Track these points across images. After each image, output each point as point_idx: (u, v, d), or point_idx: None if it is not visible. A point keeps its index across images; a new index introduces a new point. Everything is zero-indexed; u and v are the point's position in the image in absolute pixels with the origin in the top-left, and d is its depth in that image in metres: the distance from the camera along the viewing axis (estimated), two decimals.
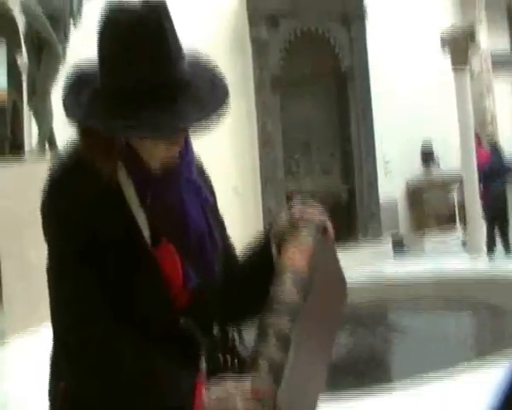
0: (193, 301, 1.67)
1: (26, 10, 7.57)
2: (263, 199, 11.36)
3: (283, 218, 1.69)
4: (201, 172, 1.83)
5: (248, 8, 11.56)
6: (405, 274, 8.41)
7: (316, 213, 1.67)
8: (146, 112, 1.50)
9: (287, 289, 1.53)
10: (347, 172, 12.00)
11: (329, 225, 1.68)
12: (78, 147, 1.61)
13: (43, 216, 1.60)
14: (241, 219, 10.50)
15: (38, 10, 7.34)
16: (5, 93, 13.54)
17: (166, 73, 1.53)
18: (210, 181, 1.88)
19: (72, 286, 1.55)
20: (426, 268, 8.61)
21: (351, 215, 11.75)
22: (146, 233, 1.62)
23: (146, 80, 1.51)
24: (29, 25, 7.66)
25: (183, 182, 1.68)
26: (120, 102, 1.52)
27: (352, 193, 11.83)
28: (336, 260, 1.74)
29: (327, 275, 1.68)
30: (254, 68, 11.53)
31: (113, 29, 1.53)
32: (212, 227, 1.74)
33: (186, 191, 1.69)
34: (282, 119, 11.62)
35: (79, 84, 1.62)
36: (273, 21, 11.50)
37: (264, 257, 1.71)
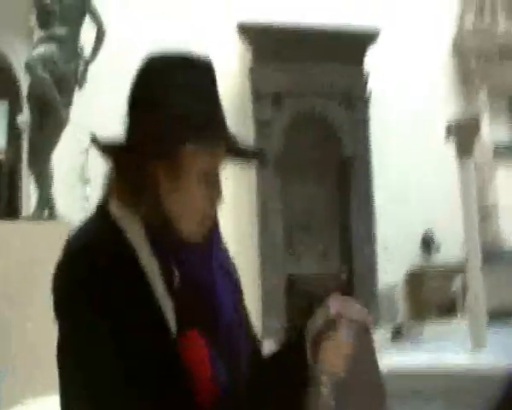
0: (221, 401, 1.48)
1: (30, 72, 7.50)
2: (262, 279, 11.16)
3: (320, 314, 1.51)
4: (227, 254, 1.67)
5: (252, 87, 11.59)
6: (403, 365, 8.17)
7: (357, 310, 1.49)
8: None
9: (323, 396, 1.38)
10: (347, 256, 11.85)
11: (371, 323, 1.50)
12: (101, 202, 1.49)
13: (56, 290, 1.46)
14: None
15: (44, 72, 7.27)
16: (3, 153, 13.46)
17: (218, 113, 1.55)
18: (235, 266, 1.71)
19: (92, 374, 1.39)
20: (424, 359, 8.39)
21: None
22: (171, 320, 1.43)
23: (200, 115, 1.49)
24: (33, 86, 7.58)
25: (214, 261, 1.52)
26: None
27: (350, 278, 11.64)
28: (376, 365, 1.57)
29: (365, 379, 1.51)
30: (256, 147, 11.44)
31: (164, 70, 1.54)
32: (243, 318, 1.57)
33: (217, 273, 1.52)
34: (282, 199, 11.52)
35: None
36: (277, 101, 11.52)
37: (297, 357, 1.52)
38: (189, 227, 1.47)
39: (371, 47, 12.00)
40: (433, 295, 11.81)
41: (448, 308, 11.44)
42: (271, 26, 11.35)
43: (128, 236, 1.46)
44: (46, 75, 7.26)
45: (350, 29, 11.71)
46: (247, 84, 11.65)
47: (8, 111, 12.51)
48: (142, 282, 1.42)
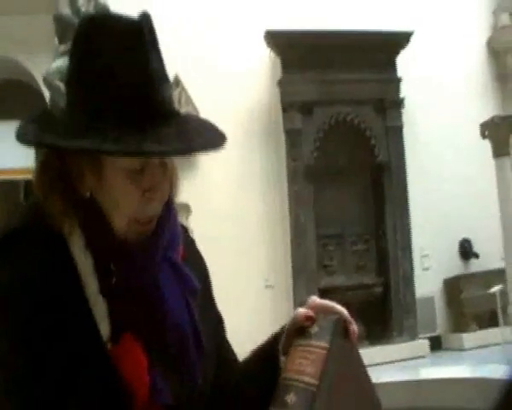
0: None
1: (48, 85, 7.45)
2: (294, 292, 10.89)
3: (294, 315, 1.30)
4: (192, 251, 1.45)
5: (282, 97, 11.37)
6: (442, 377, 7.93)
7: (334, 308, 1.26)
8: (118, 131, 1.17)
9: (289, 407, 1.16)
10: (382, 267, 11.55)
11: (352, 322, 1.27)
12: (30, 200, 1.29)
13: None
14: (271, 313, 10.15)
15: (60, 84, 7.19)
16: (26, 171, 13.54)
17: (145, 91, 1.20)
18: (203, 263, 1.49)
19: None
20: (465, 371, 8.13)
21: (385, 311, 11.32)
22: (104, 326, 1.21)
23: (119, 98, 1.18)
24: (52, 99, 7.53)
25: (162, 261, 1.30)
26: (87, 119, 1.19)
27: (386, 288, 11.36)
28: (361, 368, 1.33)
29: (348, 386, 1.27)
30: (287, 158, 11.27)
31: (90, 39, 1.25)
32: (197, 324, 1.34)
33: (165, 275, 1.30)
34: (315, 210, 11.27)
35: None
36: (307, 110, 11.29)
37: (270, 364, 1.31)
38: (121, 226, 1.25)
39: (403, 51, 11.74)
40: (472, 305, 11.48)
41: (488, 318, 11.12)
42: (299, 33, 11.17)
43: (61, 228, 1.27)
44: (62, 85, 7.14)
45: (380, 33, 11.48)
46: (277, 94, 11.44)
47: None
48: (73, 278, 1.21)
